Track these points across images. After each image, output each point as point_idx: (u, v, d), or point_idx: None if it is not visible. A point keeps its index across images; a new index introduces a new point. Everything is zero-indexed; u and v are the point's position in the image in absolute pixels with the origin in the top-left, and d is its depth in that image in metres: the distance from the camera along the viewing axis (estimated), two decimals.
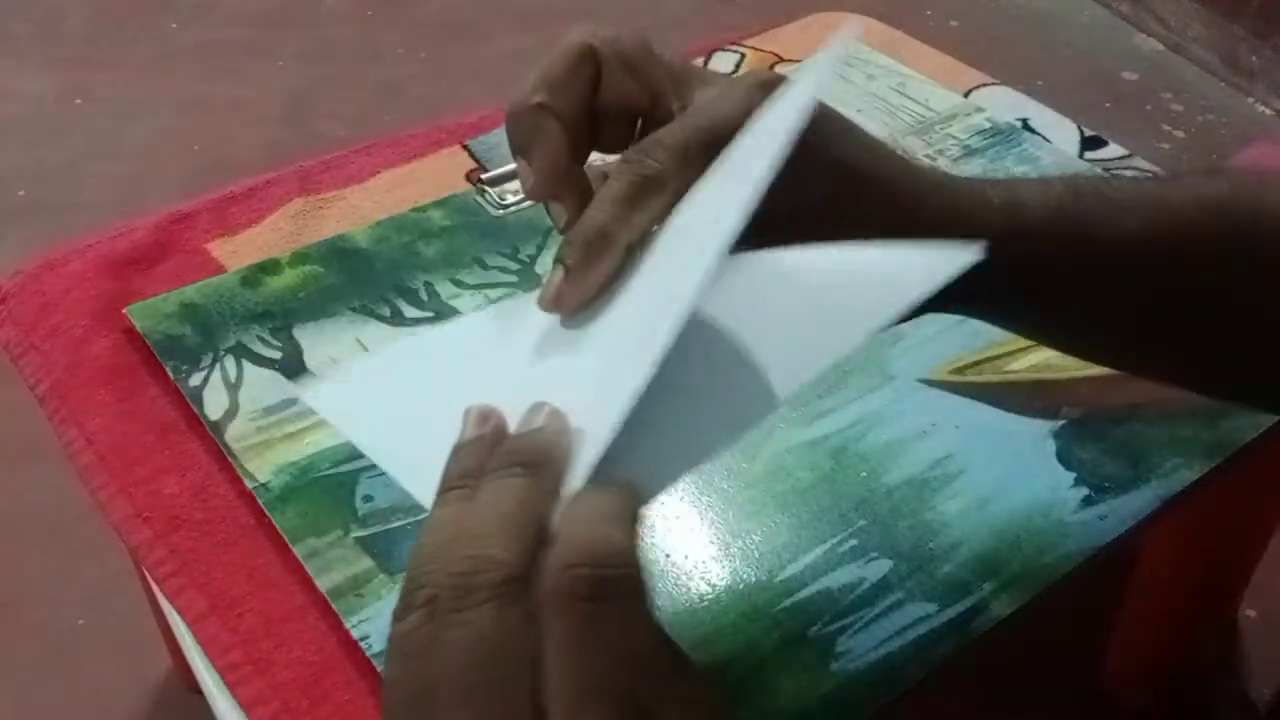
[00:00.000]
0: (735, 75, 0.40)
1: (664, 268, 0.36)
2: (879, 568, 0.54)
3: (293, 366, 0.63)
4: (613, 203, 0.36)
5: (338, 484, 0.56)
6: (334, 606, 0.51)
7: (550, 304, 0.37)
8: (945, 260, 0.31)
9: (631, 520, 0.29)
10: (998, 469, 0.58)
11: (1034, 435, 0.61)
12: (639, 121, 0.40)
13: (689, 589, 0.53)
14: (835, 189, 0.39)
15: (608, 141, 0.40)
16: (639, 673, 0.27)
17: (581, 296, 0.37)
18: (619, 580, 0.28)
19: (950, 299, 0.40)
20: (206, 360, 0.63)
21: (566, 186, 0.39)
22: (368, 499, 0.56)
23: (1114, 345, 0.47)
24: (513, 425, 0.33)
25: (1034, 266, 0.42)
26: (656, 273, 0.36)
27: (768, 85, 0.38)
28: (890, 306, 0.32)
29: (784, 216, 0.37)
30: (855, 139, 0.41)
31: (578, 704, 0.26)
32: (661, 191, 0.37)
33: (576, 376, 0.35)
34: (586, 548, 0.28)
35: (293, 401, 0.61)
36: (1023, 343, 0.65)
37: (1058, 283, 0.43)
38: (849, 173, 0.40)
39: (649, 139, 0.37)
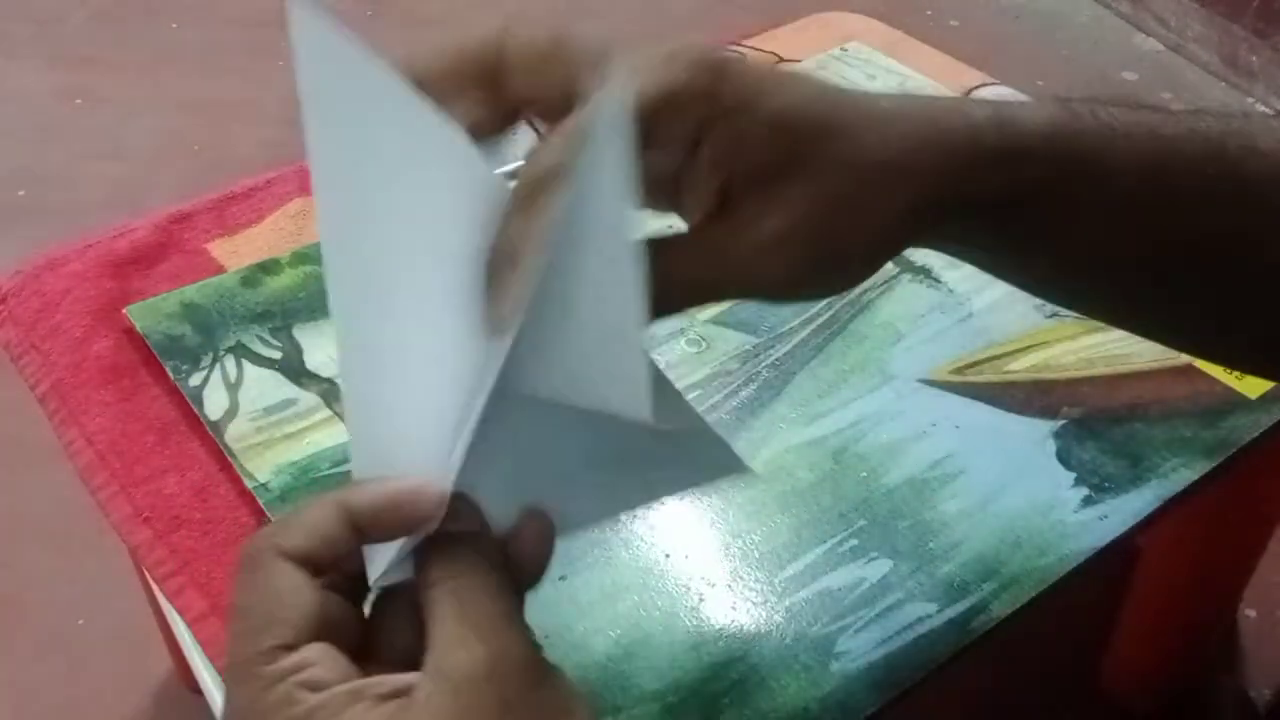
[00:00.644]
0: (649, 51, 0.35)
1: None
2: (879, 568, 0.54)
3: (293, 366, 0.63)
4: (513, 215, 0.33)
5: (337, 484, 0.56)
6: None
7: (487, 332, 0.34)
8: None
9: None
10: (998, 469, 0.58)
11: (1034, 435, 0.61)
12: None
13: (689, 589, 0.53)
14: (782, 145, 0.35)
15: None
16: (245, 642, 0.30)
17: (504, 323, 0.33)
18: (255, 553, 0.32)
19: (926, 229, 0.38)
20: (206, 360, 0.63)
21: None
22: None
23: (1097, 287, 0.43)
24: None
25: (1025, 191, 0.38)
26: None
27: (679, 54, 0.34)
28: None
29: (720, 191, 0.35)
30: (793, 87, 0.36)
31: None
32: (562, 186, 0.33)
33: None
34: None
35: (293, 401, 0.61)
36: (1023, 342, 0.65)
37: (1049, 210, 0.39)
38: (795, 123, 0.35)
39: (556, 131, 0.34)
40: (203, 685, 0.57)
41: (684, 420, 0.39)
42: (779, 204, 0.35)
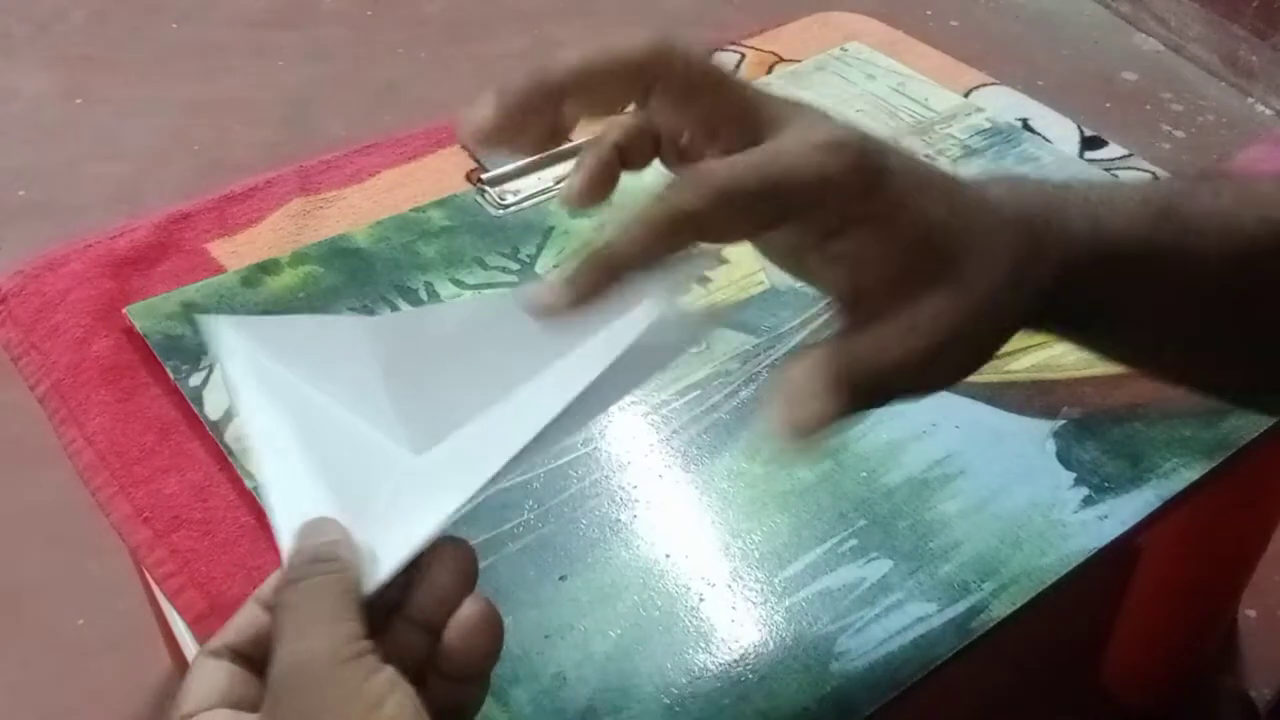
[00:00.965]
0: (810, 122, 0.35)
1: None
2: (879, 568, 0.54)
3: None
4: (642, 231, 0.33)
5: None
6: None
7: (536, 310, 0.35)
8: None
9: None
10: (998, 469, 0.58)
11: (1034, 435, 0.61)
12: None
13: (689, 589, 0.53)
14: (921, 261, 0.36)
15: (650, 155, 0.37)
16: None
17: (567, 307, 0.34)
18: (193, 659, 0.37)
19: (1028, 321, 0.40)
20: (206, 360, 0.63)
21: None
22: None
23: (1185, 364, 0.45)
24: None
25: (1115, 292, 0.40)
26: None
27: (838, 148, 0.34)
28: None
29: (863, 300, 0.36)
30: (934, 199, 0.36)
31: None
32: (693, 230, 0.33)
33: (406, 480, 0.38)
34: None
35: None
36: (1023, 342, 0.65)
37: (1137, 308, 0.41)
38: (936, 242, 0.36)
39: (694, 170, 0.34)
40: None
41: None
42: (920, 310, 0.36)
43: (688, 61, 0.35)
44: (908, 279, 0.36)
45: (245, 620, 0.37)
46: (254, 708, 0.35)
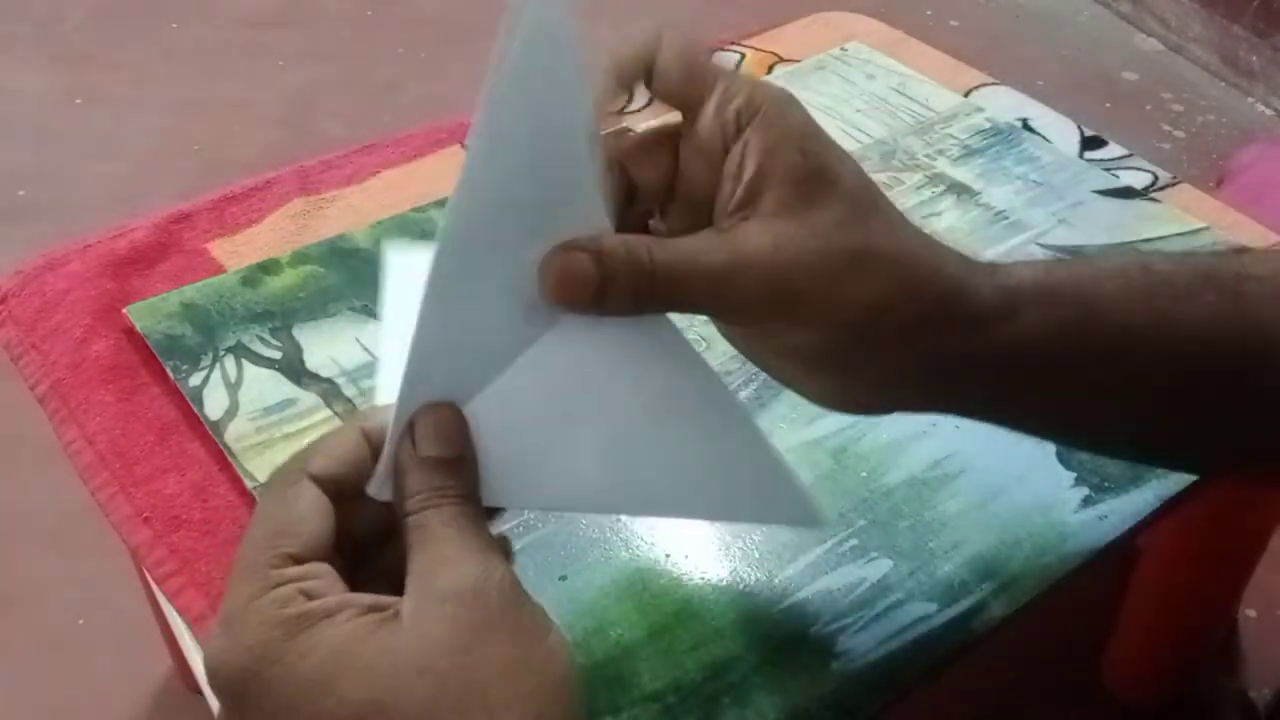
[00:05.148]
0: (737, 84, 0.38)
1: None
2: (879, 568, 0.54)
3: (293, 367, 0.63)
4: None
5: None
6: None
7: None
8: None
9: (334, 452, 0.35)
10: (998, 469, 0.58)
11: None
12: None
13: (689, 589, 0.53)
14: (888, 290, 0.37)
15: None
16: (238, 555, 0.33)
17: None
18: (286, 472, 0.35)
19: (926, 386, 0.40)
20: (206, 360, 0.63)
21: None
22: None
23: (1104, 422, 0.44)
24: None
25: (1023, 341, 0.39)
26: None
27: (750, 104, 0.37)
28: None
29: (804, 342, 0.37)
30: (905, 225, 0.38)
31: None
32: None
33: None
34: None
35: (293, 401, 0.61)
36: None
37: (1046, 356, 0.40)
38: (905, 270, 0.37)
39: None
40: (203, 685, 0.57)
41: (755, 452, 0.39)
42: (756, 231, 0.36)
43: (674, 46, 0.38)
44: (774, 187, 0.36)
45: (346, 452, 0.35)
46: (348, 570, 0.34)
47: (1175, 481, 0.58)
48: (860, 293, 0.36)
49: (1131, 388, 0.41)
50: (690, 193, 0.38)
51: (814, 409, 0.41)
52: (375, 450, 0.35)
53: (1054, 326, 0.39)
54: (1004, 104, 0.86)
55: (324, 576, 0.33)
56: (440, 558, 0.33)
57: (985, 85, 0.89)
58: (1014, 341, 0.39)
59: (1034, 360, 0.40)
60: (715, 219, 0.37)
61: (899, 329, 0.37)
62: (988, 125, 0.83)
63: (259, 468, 0.57)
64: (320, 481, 0.34)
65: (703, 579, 0.53)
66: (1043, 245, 0.72)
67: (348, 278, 0.69)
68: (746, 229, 0.36)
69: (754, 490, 0.39)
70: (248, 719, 0.31)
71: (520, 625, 0.32)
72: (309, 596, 0.32)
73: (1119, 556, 0.57)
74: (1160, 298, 0.40)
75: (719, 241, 0.36)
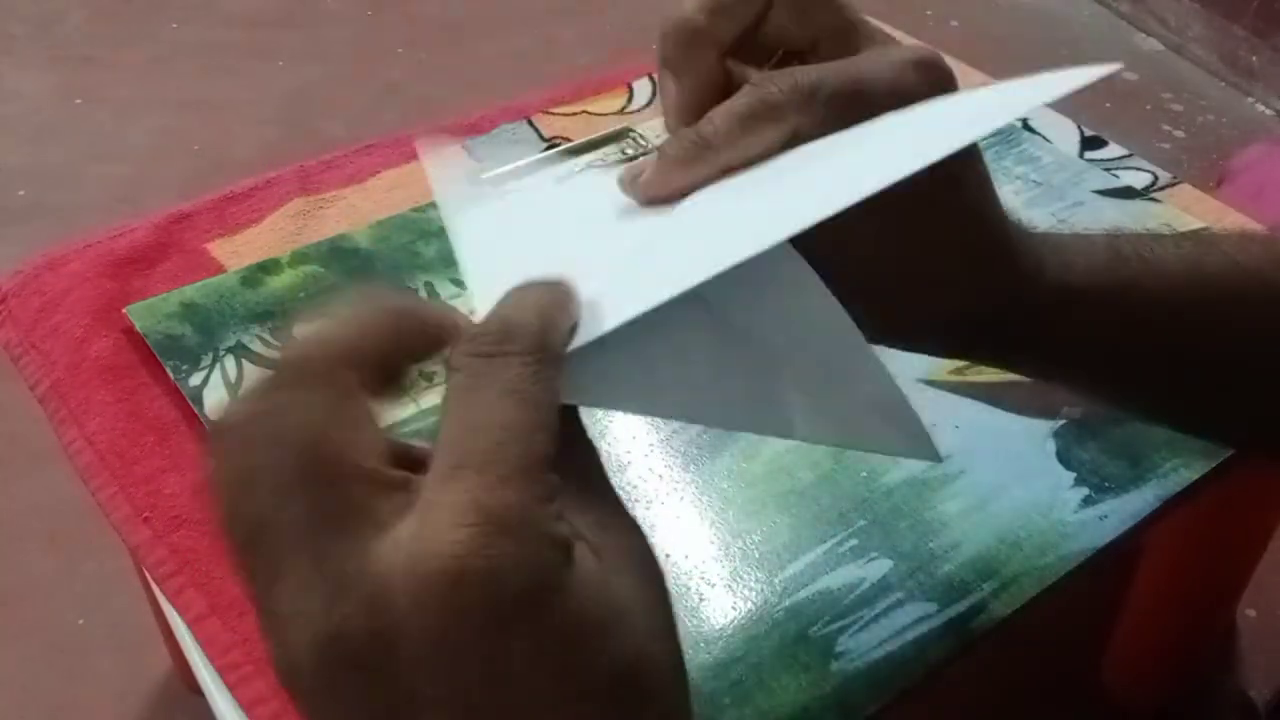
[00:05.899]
0: (893, 44, 0.40)
1: (764, 200, 0.35)
2: (879, 568, 0.54)
3: None
4: (727, 117, 0.36)
5: None
6: None
7: (630, 185, 0.37)
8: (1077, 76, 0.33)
9: (549, 310, 0.29)
10: (998, 469, 0.58)
11: (1034, 435, 0.61)
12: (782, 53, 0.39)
13: (689, 589, 0.53)
14: (961, 240, 0.39)
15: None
16: (498, 444, 0.25)
17: (663, 190, 0.36)
18: (497, 352, 0.27)
19: (974, 348, 0.43)
20: (206, 360, 0.63)
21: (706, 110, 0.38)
22: None
23: (1141, 401, 0.47)
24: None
25: (1070, 329, 0.42)
26: (756, 199, 0.35)
27: (923, 65, 0.37)
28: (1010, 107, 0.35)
29: (876, 260, 0.38)
30: (993, 194, 0.41)
31: (436, 465, 0.25)
32: (779, 123, 0.35)
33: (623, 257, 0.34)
34: (488, 323, 0.28)
35: None
36: None
37: (1091, 345, 0.43)
38: (977, 228, 0.40)
39: (784, 70, 0.36)
40: (203, 685, 0.57)
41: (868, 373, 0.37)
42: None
43: None
44: (926, 257, 0.39)
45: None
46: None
47: (1175, 481, 0.58)
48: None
49: (1165, 373, 0.44)
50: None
51: None
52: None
53: (1097, 318, 0.42)
54: None
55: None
56: (621, 524, 0.29)
57: (985, 85, 0.88)
58: (1055, 322, 0.41)
59: (1085, 349, 0.43)
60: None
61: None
62: None
63: None
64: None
65: (703, 579, 0.53)
66: None
67: (348, 278, 0.68)
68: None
69: (870, 413, 0.38)
70: (517, 650, 0.24)
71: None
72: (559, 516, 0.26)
73: (1119, 556, 0.57)
74: (1210, 307, 0.43)
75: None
